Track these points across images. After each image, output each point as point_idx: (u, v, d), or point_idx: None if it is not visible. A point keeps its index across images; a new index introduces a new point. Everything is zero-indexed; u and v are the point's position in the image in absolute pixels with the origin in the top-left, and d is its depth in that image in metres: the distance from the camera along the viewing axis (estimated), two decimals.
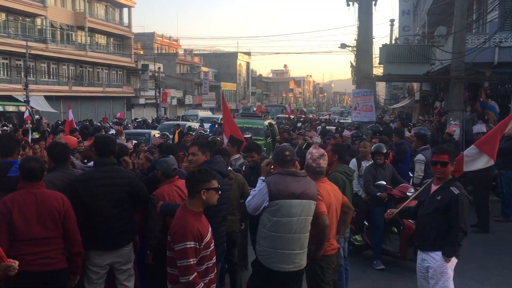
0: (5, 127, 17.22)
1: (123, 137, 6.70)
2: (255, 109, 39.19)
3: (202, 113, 38.87)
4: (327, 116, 43.50)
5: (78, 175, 4.44)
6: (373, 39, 19.57)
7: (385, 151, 7.10)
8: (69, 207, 3.89)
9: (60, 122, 19.92)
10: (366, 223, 7.27)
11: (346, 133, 13.25)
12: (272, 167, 4.33)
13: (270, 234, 4.00)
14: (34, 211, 3.70)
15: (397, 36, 25.06)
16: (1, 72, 33.11)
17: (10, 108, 22.98)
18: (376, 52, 21.23)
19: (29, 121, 16.86)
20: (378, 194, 6.73)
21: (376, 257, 6.99)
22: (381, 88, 63.98)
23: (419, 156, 8.44)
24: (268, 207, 3.98)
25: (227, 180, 4.87)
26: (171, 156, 4.87)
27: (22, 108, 23.13)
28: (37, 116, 18.64)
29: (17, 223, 3.63)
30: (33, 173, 3.77)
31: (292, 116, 30.86)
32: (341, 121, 31.53)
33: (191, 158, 4.76)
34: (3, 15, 33.07)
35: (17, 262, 3.19)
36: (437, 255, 4.41)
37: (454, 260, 4.43)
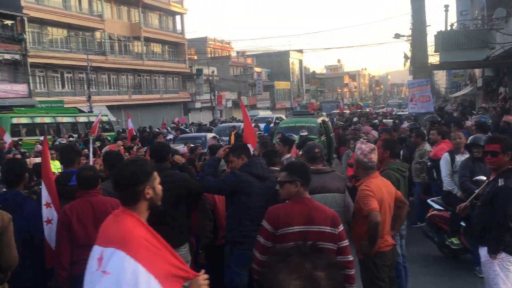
0: (71, 138, 18.19)
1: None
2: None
3: (262, 113, 38.78)
4: (384, 109, 42.31)
5: None
6: (428, 27, 18.93)
7: (482, 143, 5.99)
8: None
9: (121, 131, 20.73)
10: (463, 224, 6.42)
11: (404, 124, 12.92)
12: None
13: None
14: (91, 218, 3.88)
15: (453, 22, 23.99)
16: (66, 85, 35.02)
17: (80, 119, 24.58)
18: (431, 40, 20.44)
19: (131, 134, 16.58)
20: (477, 191, 5.64)
21: (477, 262, 5.76)
22: (440, 76, 61.62)
23: None
24: None
25: (264, 183, 4.53)
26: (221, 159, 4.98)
27: (80, 119, 24.89)
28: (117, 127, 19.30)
29: (76, 230, 3.85)
30: (88, 182, 3.97)
31: (347, 111, 30.34)
32: (399, 113, 30.62)
33: (230, 165, 4.65)
34: (65, 31, 34.95)
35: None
36: (484, 250, 4.19)
37: (504, 256, 4.11)
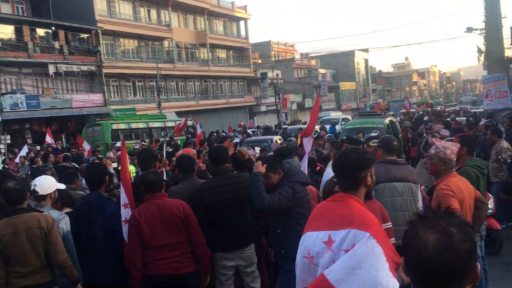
0: (143, 143, 19.01)
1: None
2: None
3: (333, 114, 38.20)
4: (458, 108, 40.31)
5: (201, 185, 4.72)
6: (503, 18, 17.88)
7: None
8: (189, 212, 4.17)
9: (190, 136, 21.39)
10: None
11: (481, 122, 12.32)
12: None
13: None
14: (158, 220, 4.05)
15: None
16: (138, 93, 36.65)
17: (168, 124, 26.22)
18: (507, 32, 19.29)
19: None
20: None
21: None
22: None
23: None
24: (375, 190, 4.46)
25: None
26: (295, 159, 5.04)
27: (169, 123, 26.15)
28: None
29: (145, 232, 4.03)
30: (153, 185, 4.15)
31: (415, 110, 29.23)
32: (474, 110, 29.10)
33: (266, 181, 4.30)
34: (136, 42, 36.62)
35: None
36: None
37: None
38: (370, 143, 6.74)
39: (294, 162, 5.04)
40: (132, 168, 9.01)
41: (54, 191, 4.27)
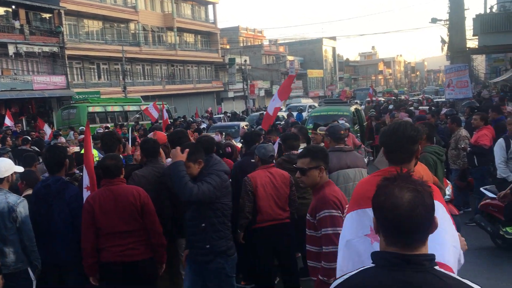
0: (108, 126, 18.64)
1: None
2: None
3: (304, 101, 38.32)
4: (421, 97, 41.26)
5: (165, 169, 4.67)
6: (466, 10, 18.31)
7: None
8: (146, 200, 4.05)
9: (154, 122, 21.10)
10: None
11: (443, 111, 12.64)
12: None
13: None
14: (113, 206, 3.94)
15: (492, 5, 23.11)
16: (102, 76, 35.81)
17: (130, 108, 26.21)
18: (470, 23, 19.75)
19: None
20: None
21: None
22: (480, 62, 59.56)
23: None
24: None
25: None
26: (270, 143, 5.05)
27: (144, 107, 25.41)
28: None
29: (100, 218, 3.93)
30: (109, 170, 4.02)
31: (381, 99, 29.70)
32: (436, 100, 29.85)
33: (187, 171, 3.93)
34: (100, 23, 35.67)
35: None
36: None
37: None
38: (318, 131, 6.85)
39: (269, 146, 5.04)
40: (95, 152, 8.83)
41: (11, 174, 4.19)
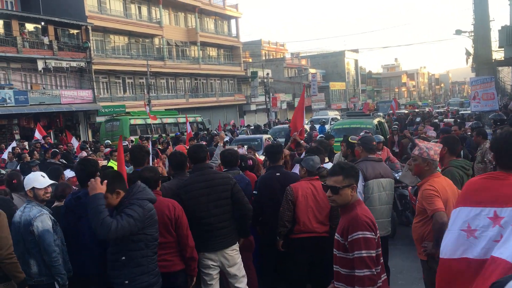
0: (132, 140, 18.97)
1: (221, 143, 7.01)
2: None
3: (331, 113, 38.44)
4: (446, 109, 40.66)
5: (180, 182, 4.70)
6: (491, 21, 18.11)
7: None
8: (180, 214, 4.16)
9: (179, 134, 21.43)
10: None
11: (468, 124, 12.49)
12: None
13: (368, 208, 4.64)
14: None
15: None
16: (128, 90, 36.47)
17: (180, 120, 27.76)
18: (495, 35, 19.53)
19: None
20: None
21: None
22: (506, 73, 58.48)
23: None
24: (364, 186, 5.00)
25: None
26: (316, 156, 5.15)
27: (180, 119, 27.74)
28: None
29: None
30: (149, 183, 4.09)
31: (404, 111, 29.33)
32: (462, 112, 29.41)
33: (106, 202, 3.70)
34: (126, 39, 36.42)
35: None
36: None
37: None
38: (349, 139, 6.84)
39: (316, 158, 5.06)
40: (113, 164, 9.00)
41: (35, 188, 4.22)
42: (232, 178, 4.84)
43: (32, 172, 4.61)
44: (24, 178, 4.49)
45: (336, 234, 3.29)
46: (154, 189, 4.12)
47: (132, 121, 24.27)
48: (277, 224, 4.97)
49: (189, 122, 27.35)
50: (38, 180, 4.30)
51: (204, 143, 8.93)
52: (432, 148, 4.27)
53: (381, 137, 10.22)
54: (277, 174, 5.33)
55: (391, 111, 26.00)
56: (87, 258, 4.17)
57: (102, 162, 8.62)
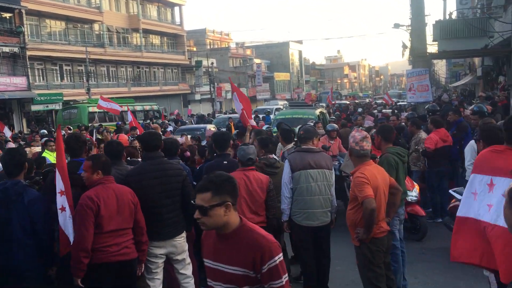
0: (69, 130, 18.24)
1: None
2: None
3: (281, 103, 38.69)
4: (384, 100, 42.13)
5: (130, 170, 4.65)
6: (427, 16, 18.84)
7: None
8: (137, 199, 4.19)
9: (119, 123, 20.84)
10: None
11: (404, 114, 13.01)
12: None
13: (296, 199, 5.06)
14: (115, 204, 3.98)
15: (452, 11, 23.92)
16: (65, 78, 34.98)
17: (137, 108, 28.14)
18: (430, 29, 20.33)
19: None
20: None
21: None
22: (440, 66, 61.47)
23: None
24: (292, 177, 5.03)
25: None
26: (252, 145, 5.08)
27: (137, 107, 28.10)
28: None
29: (103, 216, 3.91)
30: (109, 167, 4.10)
31: (346, 102, 30.12)
32: (399, 103, 30.60)
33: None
34: (63, 24, 34.85)
35: None
36: None
37: None
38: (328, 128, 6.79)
39: (249, 149, 4.94)
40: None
41: None
42: (183, 170, 4.80)
43: None
44: None
45: (237, 269, 2.48)
46: (109, 175, 4.12)
47: (91, 109, 23.78)
48: None
49: (146, 110, 29.02)
50: None
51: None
52: (353, 136, 4.43)
53: (335, 125, 10.44)
54: (224, 162, 5.32)
55: (329, 102, 26.61)
56: (17, 252, 3.98)
57: (36, 149, 8.21)
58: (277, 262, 2.46)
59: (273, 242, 2.50)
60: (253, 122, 8.43)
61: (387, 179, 4.48)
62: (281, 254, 2.49)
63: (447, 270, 6.10)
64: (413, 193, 7.20)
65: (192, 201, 2.50)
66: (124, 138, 7.49)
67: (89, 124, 20.77)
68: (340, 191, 7.58)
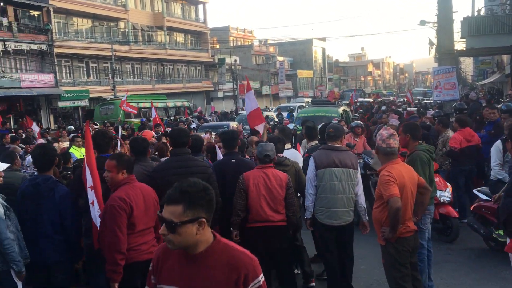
0: (96, 126, 18.55)
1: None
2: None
3: (306, 100, 38.74)
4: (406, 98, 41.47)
5: (156, 166, 4.68)
6: (454, 13, 18.49)
7: None
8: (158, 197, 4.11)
9: (144, 120, 21.11)
10: None
11: (430, 113, 12.81)
12: None
13: (319, 196, 5.04)
14: (142, 203, 3.88)
15: (480, 7, 23.39)
16: (92, 75, 35.56)
17: (170, 104, 29.63)
18: (458, 26, 19.95)
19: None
20: None
21: None
22: (467, 64, 60.24)
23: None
24: (316, 175, 5.01)
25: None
26: (270, 143, 5.02)
27: (170, 104, 29.78)
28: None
29: (136, 216, 3.80)
30: (132, 166, 4.02)
31: (369, 100, 29.83)
32: (424, 101, 30.13)
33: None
34: (90, 21, 35.41)
35: None
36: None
37: None
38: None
39: (267, 146, 4.92)
40: (83, 151, 8.76)
41: None
42: (209, 167, 4.80)
43: None
44: None
45: None
46: (132, 174, 4.03)
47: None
48: (230, 212, 4.88)
49: (178, 107, 30.24)
50: None
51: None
52: (380, 134, 4.37)
53: (360, 122, 10.31)
54: (232, 160, 5.29)
55: (354, 100, 26.38)
56: (47, 247, 4.07)
57: (64, 145, 8.36)
58: (261, 282, 2.16)
59: (254, 259, 2.19)
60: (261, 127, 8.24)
61: (415, 178, 4.40)
62: (261, 274, 2.19)
63: (473, 272, 6.00)
64: (446, 194, 7.00)
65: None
66: (149, 134, 7.57)
67: (125, 120, 21.33)
68: (364, 190, 7.50)
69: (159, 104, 28.24)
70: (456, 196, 8.25)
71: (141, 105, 26.13)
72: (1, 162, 4.38)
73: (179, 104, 30.71)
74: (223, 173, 5.09)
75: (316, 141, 6.79)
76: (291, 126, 13.34)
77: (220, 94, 50.38)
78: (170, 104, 29.96)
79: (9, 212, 4.02)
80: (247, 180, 4.80)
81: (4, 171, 4.37)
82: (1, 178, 4.22)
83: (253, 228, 4.84)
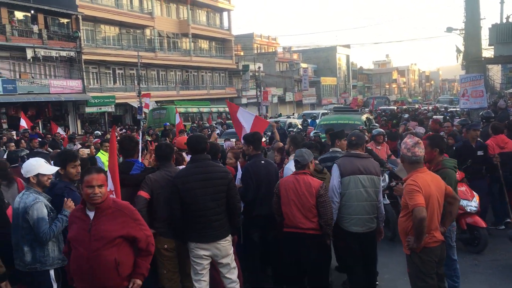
0: (123, 130, 18.85)
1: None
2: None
3: (331, 107, 38.69)
4: (433, 108, 40.80)
5: (177, 172, 4.69)
6: (482, 20, 18.20)
7: None
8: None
9: (166, 124, 21.39)
10: None
11: (456, 121, 12.58)
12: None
13: (344, 204, 4.97)
14: None
15: (509, 14, 22.94)
16: (118, 81, 36.18)
17: (213, 110, 31.23)
18: (485, 33, 19.60)
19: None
20: None
21: None
22: (495, 72, 58.92)
23: None
24: (341, 182, 4.97)
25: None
26: (307, 150, 5.06)
27: (213, 109, 31.24)
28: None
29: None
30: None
31: (393, 107, 29.42)
32: (451, 109, 29.61)
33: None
34: (117, 29, 36.08)
35: None
36: None
37: None
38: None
39: (300, 152, 5.01)
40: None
41: (37, 175, 4.14)
42: (229, 173, 4.82)
43: (35, 159, 4.39)
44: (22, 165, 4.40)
45: None
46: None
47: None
48: (265, 215, 5.21)
49: (220, 112, 31.49)
50: (44, 166, 4.22)
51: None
52: (405, 142, 4.30)
53: (381, 130, 10.16)
54: (262, 162, 5.50)
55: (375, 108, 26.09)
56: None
57: (85, 151, 8.49)
58: None
59: None
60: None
61: (442, 187, 4.30)
62: None
63: (503, 284, 5.85)
64: (473, 203, 6.83)
65: None
66: (182, 140, 7.57)
67: (149, 126, 22.33)
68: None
69: (204, 110, 30.32)
70: (491, 203, 8.04)
71: (190, 110, 28.22)
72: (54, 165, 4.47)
73: (221, 109, 31.72)
74: (257, 175, 5.36)
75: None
76: (312, 134, 13.28)
77: (244, 100, 50.54)
78: (214, 110, 31.57)
79: (52, 214, 4.11)
80: (280, 185, 4.97)
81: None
82: (49, 181, 4.29)
83: (286, 232, 4.92)
